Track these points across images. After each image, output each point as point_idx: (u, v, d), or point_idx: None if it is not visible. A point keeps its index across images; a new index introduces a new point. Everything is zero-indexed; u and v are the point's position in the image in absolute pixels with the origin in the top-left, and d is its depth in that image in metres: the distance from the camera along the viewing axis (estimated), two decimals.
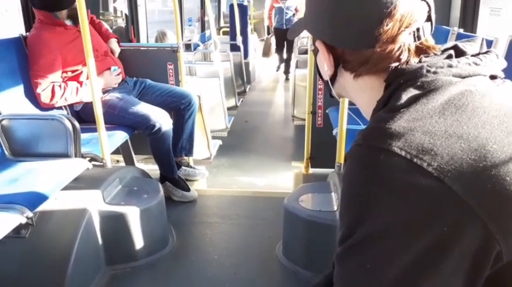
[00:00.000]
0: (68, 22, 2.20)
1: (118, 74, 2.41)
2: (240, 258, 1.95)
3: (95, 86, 1.92)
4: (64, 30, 2.19)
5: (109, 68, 2.36)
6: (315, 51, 0.69)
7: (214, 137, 3.13)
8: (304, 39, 5.20)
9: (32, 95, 2.14)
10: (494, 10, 2.26)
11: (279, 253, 1.95)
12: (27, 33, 2.23)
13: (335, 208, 1.76)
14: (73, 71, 2.20)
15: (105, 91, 2.33)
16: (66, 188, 1.66)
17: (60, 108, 2.25)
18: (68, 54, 2.17)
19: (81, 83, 2.21)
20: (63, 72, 2.17)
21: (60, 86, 2.14)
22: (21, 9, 2.42)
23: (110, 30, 2.69)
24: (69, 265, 1.54)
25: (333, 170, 1.87)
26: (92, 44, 1.89)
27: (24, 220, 1.39)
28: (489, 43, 1.62)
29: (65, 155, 1.85)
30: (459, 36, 2.00)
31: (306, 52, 3.47)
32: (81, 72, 2.22)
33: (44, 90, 2.11)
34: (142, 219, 1.84)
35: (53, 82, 2.12)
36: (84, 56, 1.88)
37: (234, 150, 3.42)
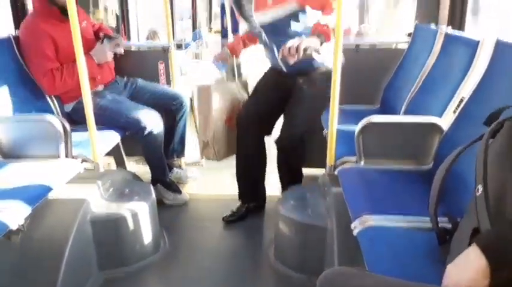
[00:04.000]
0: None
1: (113, 46, 2.34)
2: (232, 262, 1.96)
3: (86, 87, 1.90)
4: (58, 23, 2.17)
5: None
6: None
7: None
8: None
9: (22, 97, 2.13)
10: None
11: (271, 256, 1.96)
12: (17, 33, 2.21)
13: (326, 210, 1.78)
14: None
15: (95, 92, 2.31)
16: (56, 190, 1.66)
17: (50, 110, 2.24)
18: (61, 46, 2.16)
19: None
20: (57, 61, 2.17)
21: (57, 69, 2.15)
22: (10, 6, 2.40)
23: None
24: (61, 270, 1.54)
25: (324, 172, 1.89)
26: (84, 44, 1.86)
27: (15, 226, 1.38)
28: (475, 44, 1.65)
29: (56, 157, 1.84)
30: (447, 36, 2.02)
31: None
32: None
33: (43, 78, 2.13)
34: (134, 223, 1.84)
35: (50, 68, 2.13)
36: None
37: None
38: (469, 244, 0.97)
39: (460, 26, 2.34)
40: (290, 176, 2.23)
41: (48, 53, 2.13)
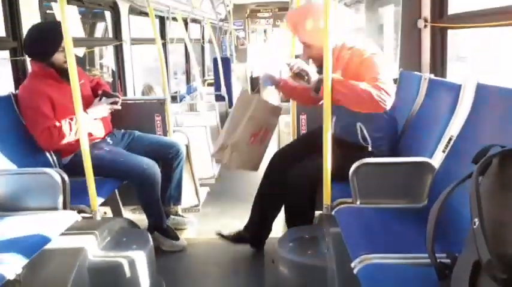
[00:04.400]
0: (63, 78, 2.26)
1: (112, 103, 2.42)
2: None
3: (84, 140, 1.94)
4: (55, 83, 2.26)
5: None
6: None
7: (202, 185, 3.15)
8: None
9: (22, 152, 2.16)
10: (460, 58, 2.42)
11: None
12: (17, 91, 2.29)
13: (325, 250, 1.78)
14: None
15: (92, 144, 2.35)
16: (54, 240, 1.65)
17: (49, 164, 2.26)
18: (58, 104, 2.23)
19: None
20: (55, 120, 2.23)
21: (55, 126, 2.19)
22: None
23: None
24: None
25: (321, 212, 1.90)
26: (83, 100, 1.94)
27: (12, 276, 1.37)
28: (457, 88, 1.75)
29: (54, 208, 1.85)
30: (431, 80, 2.14)
31: (288, 100, 3.59)
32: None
33: (41, 135, 2.17)
34: (132, 269, 1.81)
35: (48, 126, 2.17)
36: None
37: (222, 197, 3.43)
38: (470, 277, 0.99)
39: (442, 73, 2.48)
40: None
41: (45, 112, 2.20)
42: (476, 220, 0.97)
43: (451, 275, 1.12)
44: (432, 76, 2.19)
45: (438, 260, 1.16)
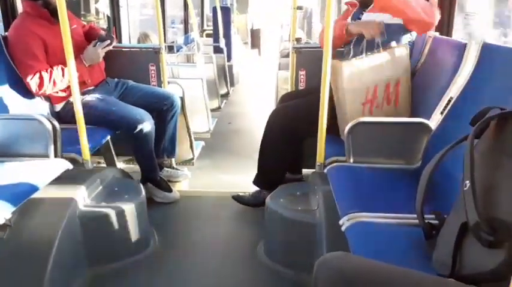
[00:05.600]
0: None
1: (105, 47, 2.33)
2: (221, 259, 1.96)
3: (75, 87, 1.90)
4: (48, 25, 2.17)
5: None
6: None
7: (197, 139, 3.13)
8: (286, 42, 5.25)
9: (12, 97, 2.12)
10: (469, 14, 2.32)
11: (260, 253, 1.97)
12: (6, 34, 2.20)
13: (315, 207, 1.79)
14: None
15: (85, 92, 2.31)
16: (45, 188, 1.64)
17: (40, 110, 2.22)
18: (51, 48, 2.15)
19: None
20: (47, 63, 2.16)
21: (46, 70, 2.13)
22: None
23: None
24: (48, 267, 1.52)
25: (314, 170, 1.90)
26: (74, 45, 1.87)
27: (2, 221, 1.37)
28: (463, 47, 1.68)
29: (45, 156, 1.83)
30: (435, 39, 2.06)
31: (287, 55, 3.49)
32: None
33: (32, 79, 2.10)
34: (123, 220, 1.83)
35: (39, 70, 2.11)
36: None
37: (217, 151, 3.42)
38: (457, 238, 0.99)
39: (448, 31, 2.39)
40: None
41: (37, 54, 2.12)
42: (467, 182, 0.95)
43: (438, 235, 1.12)
44: (437, 34, 2.10)
45: (426, 221, 1.16)
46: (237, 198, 2.37)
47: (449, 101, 1.69)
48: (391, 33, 1.97)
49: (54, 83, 2.16)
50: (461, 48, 1.69)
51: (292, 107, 2.21)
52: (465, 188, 0.96)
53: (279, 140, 2.17)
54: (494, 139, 1.05)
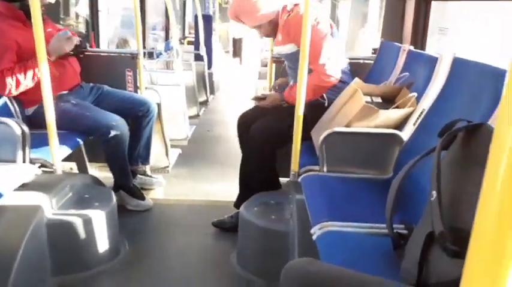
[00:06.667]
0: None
1: (69, 38, 2.21)
2: (194, 268, 1.93)
3: (47, 89, 1.85)
4: (21, 26, 2.11)
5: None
6: None
7: (174, 146, 3.10)
8: (267, 52, 5.28)
9: None
10: (442, 29, 2.39)
11: (233, 262, 1.94)
12: None
13: (288, 216, 1.78)
14: None
15: (58, 96, 2.25)
16: (11, 195, 1.59)
17: (10, 114, 2.15)
18: (23, 48, 2.08)
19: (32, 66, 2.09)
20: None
21: (9, 69, 2.05)
22: None
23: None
24: (11, 277, 1.46)
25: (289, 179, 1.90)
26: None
27: None
28: (434, 60, 1.72)
29: (12, 161, 1.78)
30: (410, 52, 2.10)
31: (266, 65, 3.52)
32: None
33: None
34: (92, 228, 1.78)
35: (2, 69, 2.03)
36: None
37: (194, 159, 3.39)
38: (423, 248, 1.00)
39: (422, 46, 2.45)
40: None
41: (2, 53, 2.05)
42: (434, 192, 0.97)
43: (406, 245, 1.13)
44: (412, 48, 2.15)
45: (395, 231, 1.17)
46: (218, 224, 2.25)
47: (422, 113, 1.72)
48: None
49: (18, 81, 2.06)
50: (433, 62, 1.73)
51: (266, 124, 2.10)
52: (432, 199, 0.97)
53: (263, 158, 2.10)
54: (461, 150, 1.07)
